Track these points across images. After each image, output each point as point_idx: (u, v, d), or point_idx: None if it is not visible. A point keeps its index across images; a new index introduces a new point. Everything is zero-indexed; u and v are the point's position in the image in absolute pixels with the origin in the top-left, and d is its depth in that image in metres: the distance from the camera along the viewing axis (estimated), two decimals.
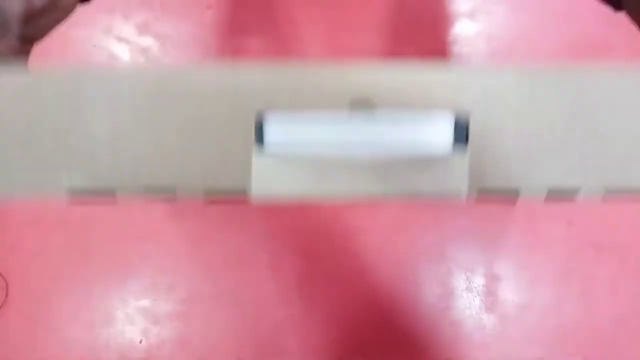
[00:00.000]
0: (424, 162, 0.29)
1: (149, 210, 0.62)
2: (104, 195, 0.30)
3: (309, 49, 0.65)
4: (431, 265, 0.62)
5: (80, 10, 0.67)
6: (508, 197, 0.30)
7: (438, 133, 0.28)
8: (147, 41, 0.65)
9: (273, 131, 0.29)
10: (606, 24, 0.65)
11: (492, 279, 0.62)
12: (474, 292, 0.62)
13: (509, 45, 0.66)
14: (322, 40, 0.66)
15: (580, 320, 0.61)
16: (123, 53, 0.64)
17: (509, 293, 0.62)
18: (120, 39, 0.65)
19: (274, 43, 0.65)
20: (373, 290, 0.62)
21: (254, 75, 0.28)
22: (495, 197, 0.30)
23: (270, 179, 0.29)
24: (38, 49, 0.69)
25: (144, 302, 0.62)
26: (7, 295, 0.61)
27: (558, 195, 0.29)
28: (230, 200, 0.32)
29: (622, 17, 0.63)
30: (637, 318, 0.61)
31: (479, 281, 0.62)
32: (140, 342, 0.61)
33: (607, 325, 0.61)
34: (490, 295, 0.62)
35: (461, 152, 0.29)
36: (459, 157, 0.29)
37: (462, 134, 0.29)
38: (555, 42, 0.66)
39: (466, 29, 0.66)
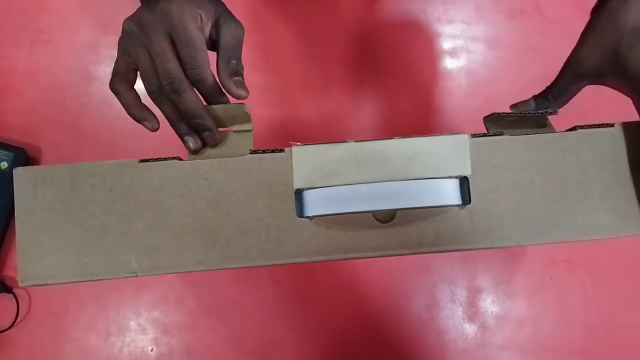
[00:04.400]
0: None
1: None
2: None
3: (310, 84, 0.72)
4: (418, 279, 0.68)
5: (101, 48, 0.75)
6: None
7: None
8: None
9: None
10: None
11: (474, 292, 0.68)
12: (457, 303, 0.68)
13: (487, 80, 0.73)
14: (318, 76, 0.73)
15: (555, 330, 0.67)
16: (139, 87, 0.71)
17: (489, 304, 0.68)
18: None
19: (278, 78, 0.72)
20: (364, 302, 0.67)
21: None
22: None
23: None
24: (57, 84, 0.76)
25: (155, 313, 0.67)
26: (29, 307, 0.67)
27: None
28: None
29: None
30: (607, 327, 0.67)
31: (461, 293, 0.68)
32: (152, 350, 0.67)
33: (580, 334, 0.67)
34: (472, 307, 0.67)
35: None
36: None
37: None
38: (530, 77, 0.72)
39: (448, 65, 0.73)
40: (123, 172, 0.37)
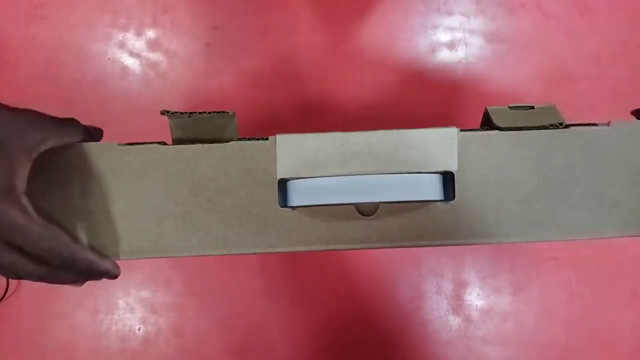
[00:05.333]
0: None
1: None
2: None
3: (306, 70, 0.72)
4: (405, 270, 0.68)
5: (98, 27, 0.74)
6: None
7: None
8: (157, 57, 0.71)
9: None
10: (572, 57, 0.72)
11: (460, 285, 0.68)
12: (443, 295, 0.68)
13: (484, 73, 0.73)
14: (321, 61, 0.72)
15: (538, 325, 0.68)
16: (134, 67, 0.71)
17: (474, 298, 0.68)
18: (132, 54, 0.71)
19: (274, 64, 0.72)
20: (352, 291, 0.68)
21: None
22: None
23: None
24: (52, 60, 0.76)
25: (144, 293, 0.68)
26: (19, 283, 0.68)
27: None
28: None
29: (587, 52, 0.71)
30: (589, 324, 0.68)
31: (447, 286, 0.68)
32: (139, 329, 0.68)
33: (562, 330, 0.68)
34: (457, 299, 0.68)
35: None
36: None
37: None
38: (526, 71, 0.72)
39: (446, 57, 0.73)
40: (102, 155, 0.37)
